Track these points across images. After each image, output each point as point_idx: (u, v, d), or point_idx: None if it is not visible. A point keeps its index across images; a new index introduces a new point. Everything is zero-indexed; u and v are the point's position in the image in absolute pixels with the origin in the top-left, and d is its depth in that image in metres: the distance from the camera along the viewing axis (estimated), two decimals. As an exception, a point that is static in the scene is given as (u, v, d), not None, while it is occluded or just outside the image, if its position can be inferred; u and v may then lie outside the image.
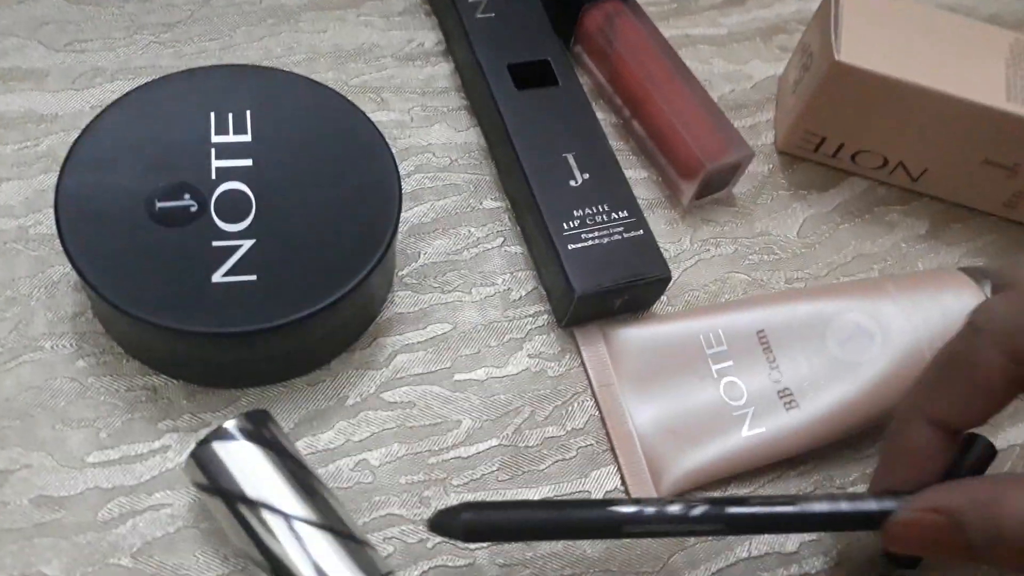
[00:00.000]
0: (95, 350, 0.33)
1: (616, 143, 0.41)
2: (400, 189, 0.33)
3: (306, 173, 0.33)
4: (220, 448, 0.28)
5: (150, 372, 0.33)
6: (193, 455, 0.28)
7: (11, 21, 0.40)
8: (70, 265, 0.31)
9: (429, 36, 0.43)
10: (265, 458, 0.28)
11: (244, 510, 0.28)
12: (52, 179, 0.36)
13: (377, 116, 0.40)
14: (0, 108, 0.38)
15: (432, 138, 0.40)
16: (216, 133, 0.33)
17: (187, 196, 0.32)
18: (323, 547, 0.27)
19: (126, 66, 0.40)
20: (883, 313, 0.35)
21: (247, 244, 0.31)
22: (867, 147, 0.41)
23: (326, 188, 0.33)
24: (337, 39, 0.42)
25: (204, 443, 0.28)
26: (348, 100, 0.35)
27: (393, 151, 0.34)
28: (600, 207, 0.36)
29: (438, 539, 0.31)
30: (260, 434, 0.29)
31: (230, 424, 0.29)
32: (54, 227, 0.34)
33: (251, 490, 0.28)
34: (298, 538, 0.27)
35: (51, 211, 0.35)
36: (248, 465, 0.28)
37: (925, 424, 0.27)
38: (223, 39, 0.41)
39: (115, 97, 0.38)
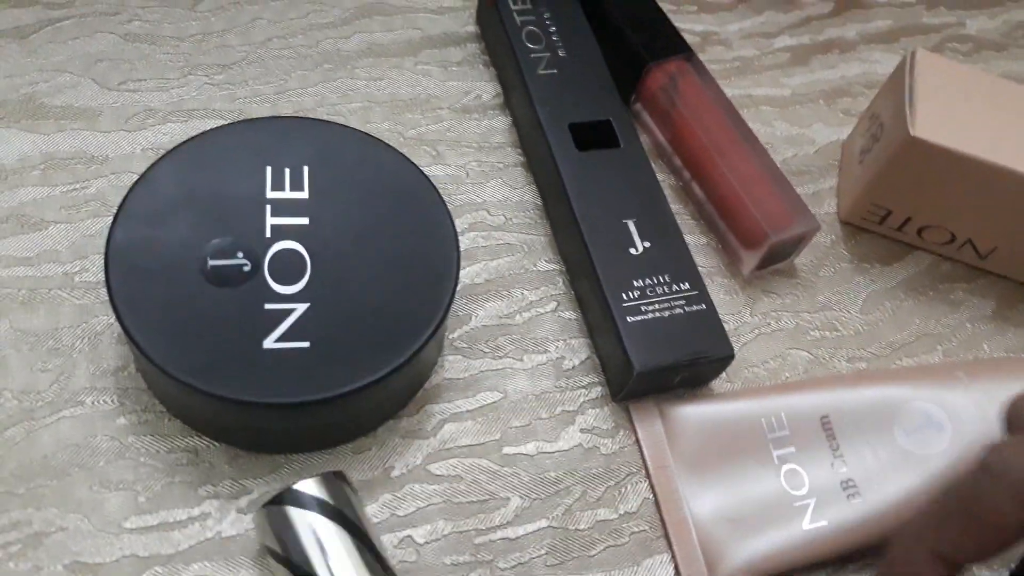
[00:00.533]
0: (136, 407, 0.32)
1: (674, 206, 0.40)
2: (458, 253, 0.32)
3: (363, 234, 0.32)
4: (291, 512, 0.27)
5: (192, 433, 0.32)
6: (264, 513, 0.28)
7: (65, 57, 0.39)
8: (115, 317, 0.30)
9: (487, 88, 0.42)
10: (333, 529, 0.27)
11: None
12: (100, 224, 0.35)
13: (432, 170, 0.39)
14: (50, 148, 0.37)
15: (487, 195, 0.39)
16: (272, 189, 0.33)
17: (240, 255, 0.31)
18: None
19: (179, 108, 0.39)
20: (953, 402, 0.34)
21: (301, 308, 0.30)
22: (935, 222, 0.40)
23: (383, 250, 0.32)
24: (393, 88, 0.41)
25: (275, 503, 0.27)
26: (406, 157, 0.34)
27: (449, 208, 0.33)
28: (661, 278, 0.35)
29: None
30: (329, 503, 0.28)
31: (302, 486, 0.28)
32: (100, 275, 0.34)
33: (316, 563, 0.27)
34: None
35: (98, 258, 0.35)
36: (315, 534, 0.27)
37: (929, 556, 0.26)
38: (277, 83, 0.40)
39: (167, 139, 0.37)
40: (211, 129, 0.33)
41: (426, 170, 0.39)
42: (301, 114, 0.40)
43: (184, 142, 0.33)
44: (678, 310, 0.34)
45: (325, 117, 0.40)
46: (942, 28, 0.50)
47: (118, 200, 0.36)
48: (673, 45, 0.41)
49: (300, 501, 0.28)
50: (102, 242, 0.35)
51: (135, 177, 0.36)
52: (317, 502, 0.28)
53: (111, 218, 0.35)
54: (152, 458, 0.31)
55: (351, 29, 0.43)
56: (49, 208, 0.35)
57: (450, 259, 0.32)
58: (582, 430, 0.34)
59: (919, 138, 0.36)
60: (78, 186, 0.36)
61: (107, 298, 0.30)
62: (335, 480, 0.28)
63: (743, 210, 0.38)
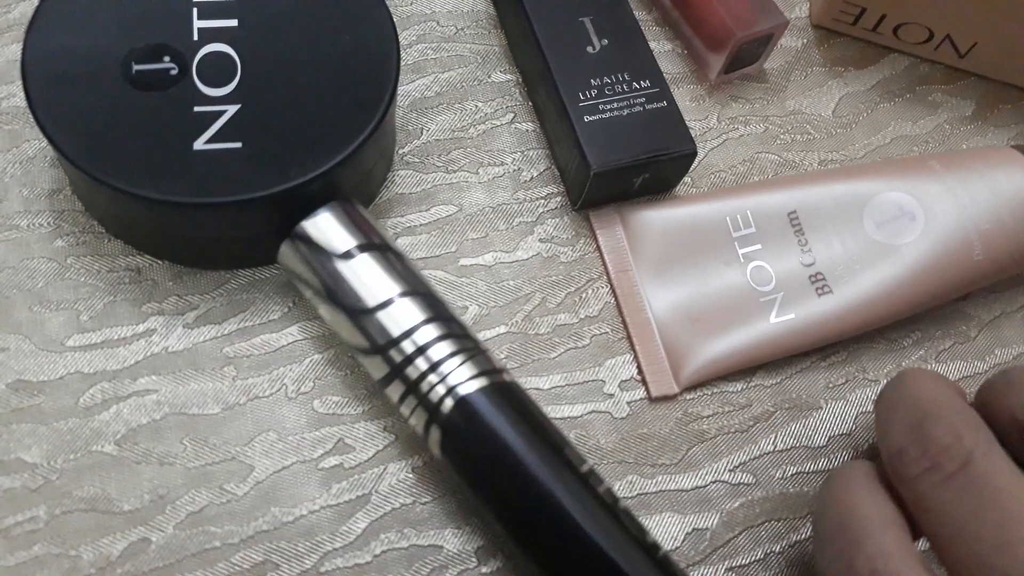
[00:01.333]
0: (74, 229, 0.31)
1: (638, 14, 0.38)
2: (399, 55, 0.30)
3: (296, 36, 0.30)
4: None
5: (133, 252, 0.30)
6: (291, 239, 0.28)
7: None
8: (45, 140, 0.29)
9: None
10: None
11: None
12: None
13: (378, -17, 0.37)
14: (-34, -29, 0.35)
15: (436, 5, 0.37)
16: (198, -10, 0.30)
17: (167, 59, 0.29)
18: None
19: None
20: (927, 192, 0.32)
21: (232, 110, 0.28)
22: (912, 18, 0.38)
23: (318, 52, 0.30)
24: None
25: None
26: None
27: (394, 18, 0.31)
28: (620, 76, 0.33)
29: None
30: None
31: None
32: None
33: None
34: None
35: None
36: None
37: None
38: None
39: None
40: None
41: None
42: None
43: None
44: (637, 108, 0.32)
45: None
46: None
47: (43, 23, 0.34)
48: None
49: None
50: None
51: (58, -2, 0.34)
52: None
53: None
54: (93, 277, 0.30)
55: None
56: (-32, 33, 0.33)
57: (389, 62, 0.30)
58: (541, 240, 0.33)
59: (892, -83, 0.34)
60: (0, 11, 0.34)
61: (35, 122, 0.29)
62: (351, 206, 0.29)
63: (708, 9, 0.36)
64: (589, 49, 0.33)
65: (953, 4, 0.36)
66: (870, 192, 0.33)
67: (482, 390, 0.26)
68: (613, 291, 0.32)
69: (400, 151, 0.34)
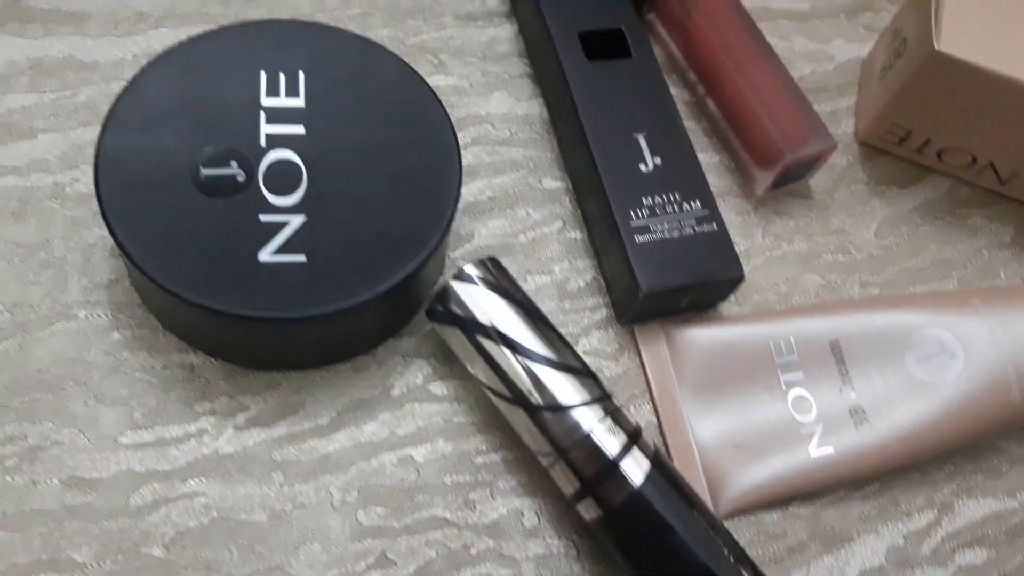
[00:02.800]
0: (131, 322, 0.31)
1: (687, 122, 0.39)
2: (460, 169, 0.31)
3: (360, 144, 0.31)
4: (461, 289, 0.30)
5: (187, 349, 0.31)
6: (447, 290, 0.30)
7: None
8: (107, 229, 0.29)
9: (493, -6, 0.40)
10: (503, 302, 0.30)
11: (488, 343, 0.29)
12: (91, 133, 0.34)
13: (434, 80, 0.38)
14: (38, 53, 0.35)
15: (491, 107, 0.38)
16: (267, 95, 0.31)
17: (234, 164, 0.30)
18: (555, 377, 0.29)
19: (171, 12, 0.37)
20: (967, 330, 0.33)
21: (297, 221, 0.29)
22: (956, 144, 0.38)
23: (381, 162, 0.30)
24: (394, -7, 0.39)
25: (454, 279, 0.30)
26: (407, 64, 0.32)
27: (452, 121, 0.32)
28: (672, 195, 0.34)
29: (483, 545, 0.30)
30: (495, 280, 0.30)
31: (469, 268, 0.30)
32: (91, 185, 0.33)
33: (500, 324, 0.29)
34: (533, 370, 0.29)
35: (89, 168, 0.33)
36: (488, 305, 0.30)
37: None
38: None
39: (160, 46, 0.36)
40: (202, 33, 0.32)
41: (428, 80, 0.37)
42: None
43: (177, 44, 0.31)
44: (688, 230, 0.33)
45: (323, 23, 0.38)
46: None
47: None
48: (690, -48, 0.39)
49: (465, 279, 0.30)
50: (93, 152, 0.34)
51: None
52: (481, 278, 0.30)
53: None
54: (147, 374, 0.30)
55: (351, -70, 0.41)
56: (38, 116, 0.34)
57: (451, 174, 0.31)
58: (585, 352, 0.33)
59: (944, 53, 0.35)
60: (67, 93, 0.35)
61: (99, 210, 0.29)
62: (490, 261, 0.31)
63: (758, 126, 0.36)
64: (642, 167, 0.34)
65: (997, 134, 0.37)
66: (911, 326, 0.33)
67: (648, 477, 0.28)
68: (656, 410, 0.33)
69: (451, 255, 0.34)
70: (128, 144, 0.29)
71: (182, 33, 0.37)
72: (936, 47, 0.35)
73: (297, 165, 0.30)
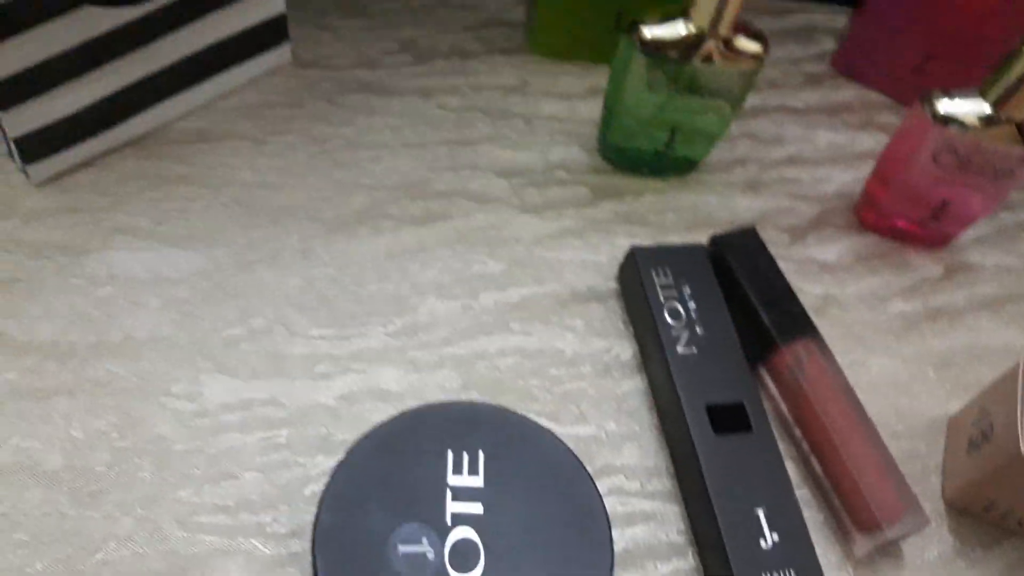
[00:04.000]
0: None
1: (794, 477, 0.44)
2: (613, 560, 0.36)
3: (528, 525, 0.36)
4: None
5: None
6: None
7: (260, 301, 0.44)
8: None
9: (625, 347, 0.46)
10: None
11: None
12: (288, 475, 0.40)
13: (576, 430, 0.43)
14: (247, 394, 0.42)
15: (624, 459, 0.43)
16: (453, 473, 0.37)
17: (425, 541, 0.35)
18: None
19: (358, 357, 0.44)
20: None
21: (477, 601, 0.34)
22: (1036, 516, 0.43)
23: (544, 543, 0.36)
24: (542, 343, 0.46)
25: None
26: (572, 452, 0.38)
27: (590, 472, 0.37)
28: (787, 572, 0.38)
29: None
30: None
31: None
32: (289, 525, 0.38)
33: None
34: None
35: (286, 508, 0.39)
36: None
37: None
38: (443, 334, 0.45)
39: (347, 389, 0.42)
40: (400, 414, 0.38)
41: (569, 429, 0.43)
42: (464, 369, 0.44)
43: (379, 425, 0.37)
44: (801, 610, 0.38)
45: (484, 370, 0.44)
46: (1045, 294, 0.54)
47: (304, 450, 0.40)
48: (800, 326, 0.45)
49: None
50: (291, 493, 0.39)
51: (320, 428, 0.41)
52: None
53: (299, 468, 0.40)
54: None
55: (507, 281, 0.47)
56: (245, 456, 0.40)
57: (604, 566, 0.36)
58: None
59: (1030, 458, 0.40)
60: (271, 434, 0.41)
61: (296, 550, 0.35)
62: None
63: (855, 493, 0.41)
64: (762, 543, 0.39)
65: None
66: None
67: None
68: None
69: (589, 604, 0.39)
70: (339, 519, 0.35)
71: (368, 378, 0.43)
72: (1022, 450, 0.40)
73: (476, 544, 0.35)
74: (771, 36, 0.61)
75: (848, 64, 0.62)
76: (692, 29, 0.45)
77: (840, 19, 0.65)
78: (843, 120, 0.59)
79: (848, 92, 0.61)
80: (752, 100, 0.58)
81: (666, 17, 0.46)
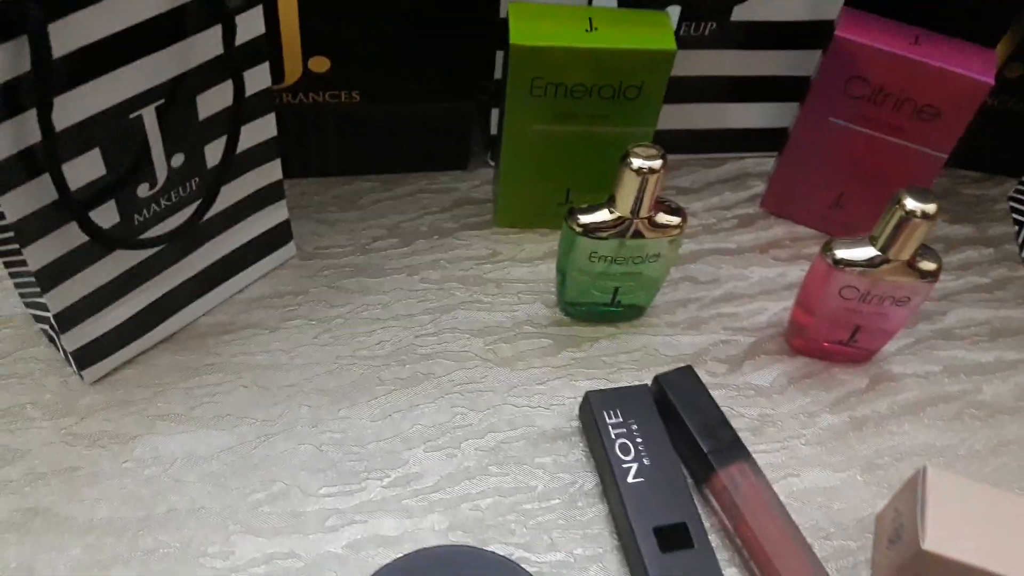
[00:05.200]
0: None
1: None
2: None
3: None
4: None
5: None
6: None
7: (278, 468, 0.53)
8: None
9: (589, 478, 0.54)
10: None
11: None
12: (307, 616, 0.48)
13: (548, 557, 0.51)
14: (270, 550, 0.50)
15: (591, 579, 0.51)
16: (439, 608, 0.45)
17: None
18: None
19: (360, 509, 0.52)
20: None
21: None
22: (954, 602, 0.50)
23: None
24: (517, 482, 0.54)
25: None
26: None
27: None
28: (728, 670, 0.45)
29: None
30: None
31: None
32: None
33: None
34: None
35: (307, 645, 0.47)
36: None
37: None
38: (432, 481, 0.53)
39: (354, 538, 0.50)
40: (396, 559, 0.46)
41: (543, 557, 0.50)
42: (451, 512, 0.52)
43: (378, 570, 0.46)
44: None
45: (468, 511, 0.52)
46: (961, 395, 0.61)
47: (319, 593, 0.49)
48: (734, 451, 0.53)
49: None
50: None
51: (331, 574, 0.49)
52: None
53: (315, 610, 0.48)
54: None
55: (485, 428, 0.56)
56: (271, 602, 0.48)
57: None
58: None
59: (929, 551, 0.47)
60: (289, 583, 0.49)
61: None
62: None
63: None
64: (706, 645, 0.46)
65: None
66: None
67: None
68: None
69: None
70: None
71: (369, 527, 0.51)
72: (922, 546, 0.47)
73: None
74: (707, 185, 0.71)
75: (776, 204, 0.71)
76: (619, 214, 0.55)
77: (769, 163, 0.74)
78: (773, 255, 0.68)
79: (778, 229, 0.70)
80: (691, 246, 0.68)
81: (595, 206, 0.55)
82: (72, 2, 0.41)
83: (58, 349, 0.56)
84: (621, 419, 0.54)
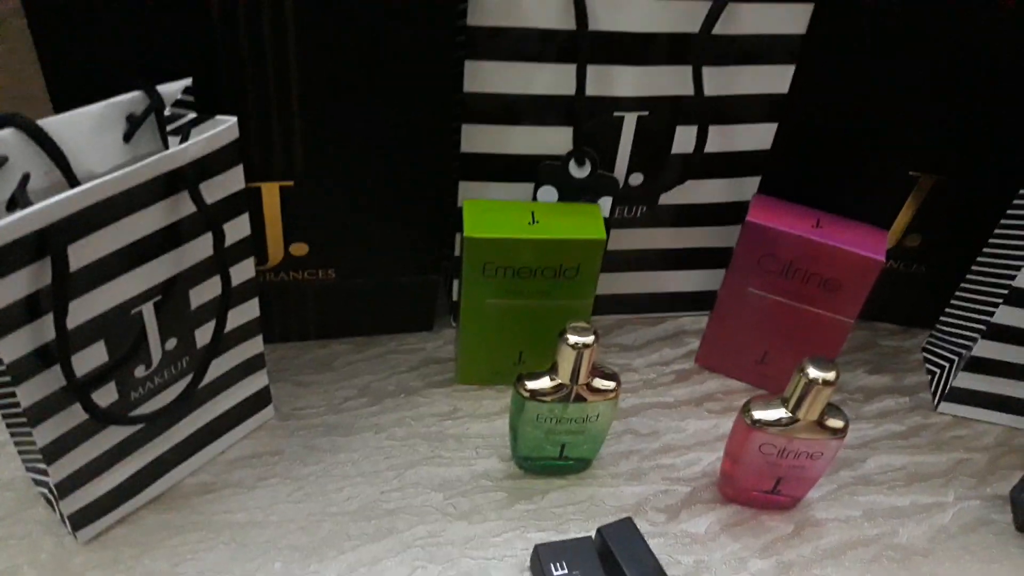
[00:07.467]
0: None
1: None
2: None
3: None
4: None
5: None
6: None
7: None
8: None
9: (537, 626, 0.60)
10: None
11: None
12: None
13: None
14: None
15: None
16: None
17: None
18: None
19: (327, 658, 0.57)
20: None
21: None
22: None
23: None
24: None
25: None
26: None
27: None
28: None
29: None
30: None
31: None
32: None
33: None
34: None
35: None
36: None
37: None
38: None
39: None
40: None
41: None
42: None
43: None
44: None
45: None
46: (878, 539, 0.67)
47: None
48: (668, 597, 0.59)
49: None
50: None
51: None
52: None
53: None
54: None
55: (443, 580, 0.62)
56: None
57: None
58: None
59: None
60: None
61: None
62: None
63: None
64: None
65: None
66: None
67: None
68: None
69: None
70: None
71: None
72: None
73: None
74: (647, 343, 0.79)
75: (709, 360, 0.79)
76: (560, 381, 0.62)
77: (703, 321, 0.82)
78: (707, 408, 0.75)
79: (712, 383, 0.78)
80: (632, 400, 0.75)
81: (540, 373, 0.63)
82: (87, 227, 0.49)
83: (55, 511, 0.61)
84: (567, 571, 0.60)
